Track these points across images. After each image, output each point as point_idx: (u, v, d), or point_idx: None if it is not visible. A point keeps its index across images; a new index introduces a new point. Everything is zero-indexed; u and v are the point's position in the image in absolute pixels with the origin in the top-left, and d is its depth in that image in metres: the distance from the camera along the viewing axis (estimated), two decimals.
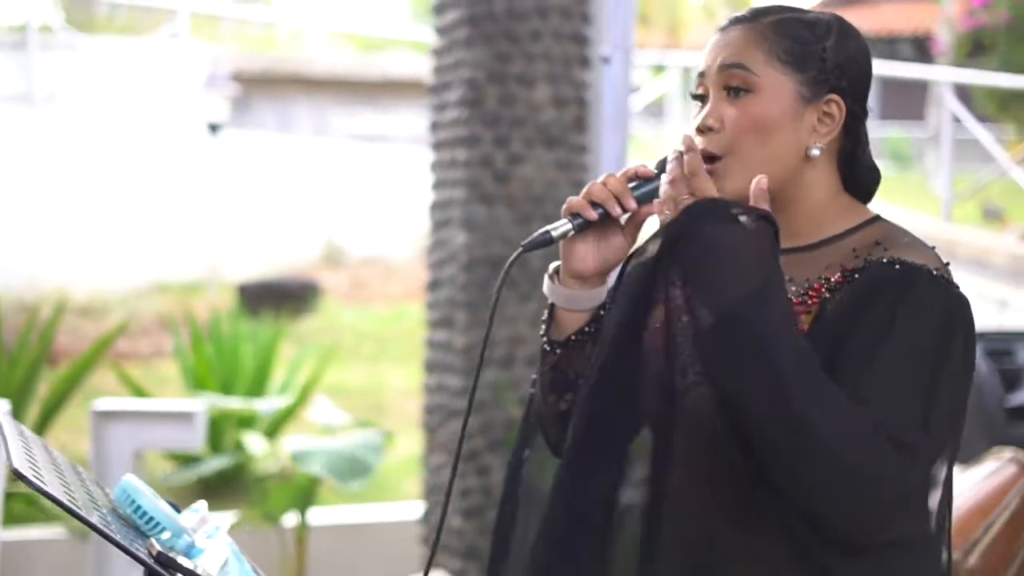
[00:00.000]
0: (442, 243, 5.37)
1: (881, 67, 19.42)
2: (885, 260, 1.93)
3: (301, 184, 13.22)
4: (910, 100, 29.93)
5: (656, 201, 2.03)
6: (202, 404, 4.56)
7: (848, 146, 2.09)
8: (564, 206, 2.04)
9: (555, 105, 5.24)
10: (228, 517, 4.93)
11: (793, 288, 2.01)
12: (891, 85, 32.28)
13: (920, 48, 29.53)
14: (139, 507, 1.79)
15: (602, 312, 2.15)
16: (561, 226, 2.02)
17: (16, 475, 1.67)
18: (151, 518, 1.77)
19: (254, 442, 6.18)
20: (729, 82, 2.04)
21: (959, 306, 1.93)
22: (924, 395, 1.86)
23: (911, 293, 1.89)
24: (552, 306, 2.15)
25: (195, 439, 4.53)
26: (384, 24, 26.84)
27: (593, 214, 2.01)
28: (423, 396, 5.53)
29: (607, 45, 4.66)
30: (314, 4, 26.56)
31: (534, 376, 2.23)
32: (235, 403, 5.99)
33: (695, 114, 2.10)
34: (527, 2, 5.15)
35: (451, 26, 5.27)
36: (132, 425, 4.55)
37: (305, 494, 5.15)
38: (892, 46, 31.11)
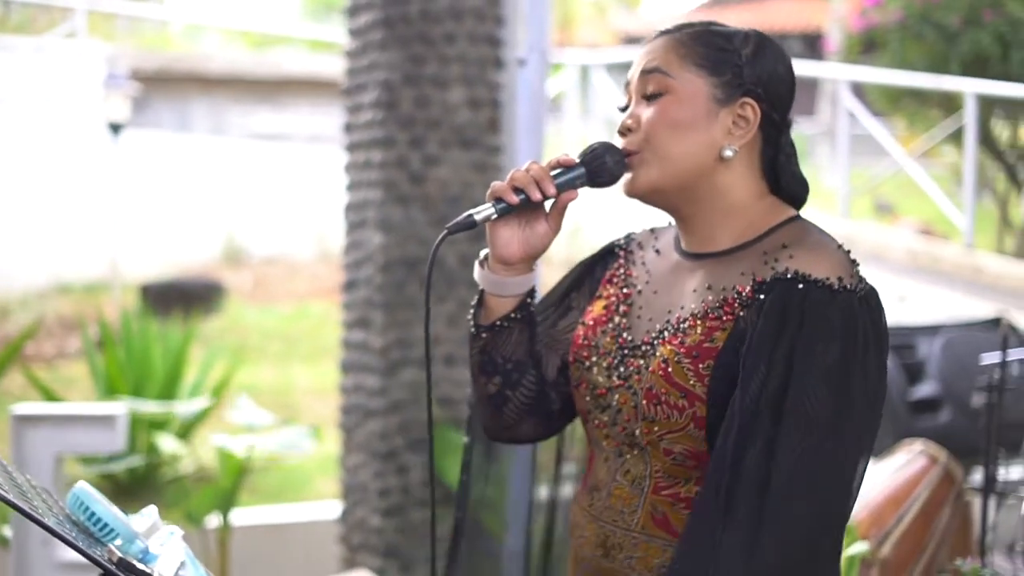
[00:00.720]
0: (358, 244, 5.40)
1: None
2: (789, 275, 2.02)
3: (200, 183, 13.15)
4: (800, 96, 30.30)
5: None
6: (122, 407, 4.55)
7: (769, 153, 2.18)
8: (488, 191, 2.13)
9: (470, 107, 5.29)
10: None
11: (711, 298, 2.10)
12: None
13: (810, 45, 29.94)
14: (93, 514, 1.82)
15: (529, 300, 2.23)
16: (484, 210, 2.11)
17: None
18: (105, 524, 1.80)
19: (168, 443, 6.17)
20: (647, 87, 2.16)
21: (863, 314, 2.02)
22: (831, 425, 1.97)
23: (813, 323, 1.98)
24: (482, 292, 2.22)
25: (116, 442, 4.52)
26: (277, 21, 26.70)
27: (514, 198, 2.11)
28: (339, 396, 5.55)
29: (523, 48, 4.73)
30: (207, 1, 26.38)
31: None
32: (153, 406, 5.97)
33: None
34: (441, 4, 5.19)
35: (365, 28, 5.30)
36: (53, 429, 4.53)
37: (228, 495, 5.16)
38: (781, 42, 31.50)
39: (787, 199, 2.21)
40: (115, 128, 10.24)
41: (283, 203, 13.18)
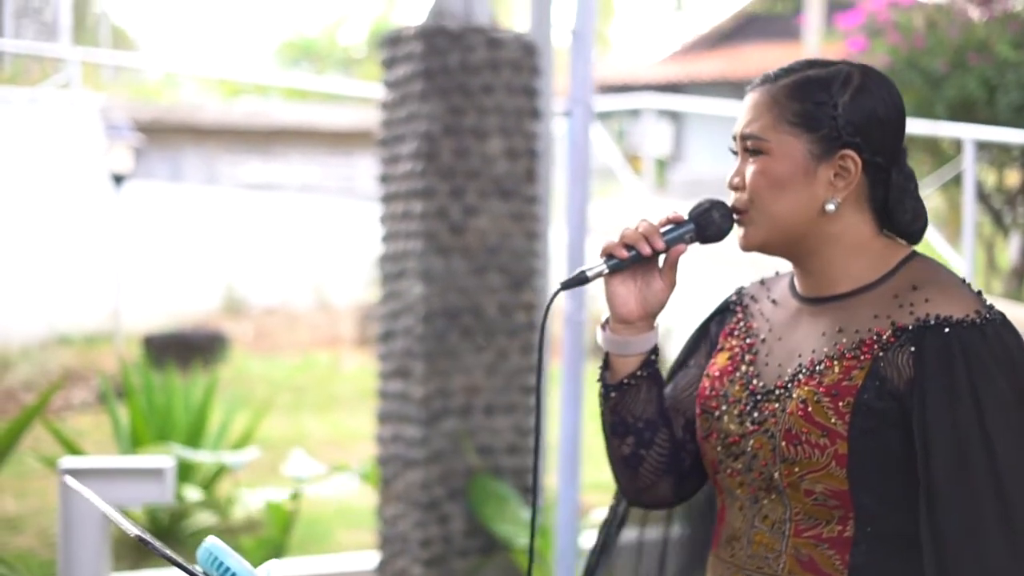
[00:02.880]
0: (396, 294, 5.41)
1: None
2: (932, 321, 2.04)
3: (195, 234, 13.13)
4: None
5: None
6: (170, 460, 4.54)
7: (879, 194, 2.20)
8: (601, 248, 2.18)
9: (508, 157, 5.32)
10: None
11: (845, 340, 2.12)
12: None
13: None
14: (227, 568, 1.82)
15: (653, 358, 2.26)
16: (596, 267, 2.16)
17: (140, 540, 1.71)
18: None
19: (192, 494, 6.15)
20: (747, 145, 2.18)
21: (1008, 339, 2.06)
22: None
23: (977, 361, 2.02)
24: (607, 354, 2.26)
25: (166, 494, 4.51)
26: (251, 70, 26.75)
27: (624, 253, 2.16)
28: (376, 447, 5.55)
29: (568, 100, 4.76)
30: (183, 51, 26.42)
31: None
32: (205, 456, 5.94)
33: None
34: (479, 56, 5.23)
35: (403, 80, 5.33)
36: (102, 483, 4.51)
37: (277, 545, 5.15)
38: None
39: (903, 235, 2.24)
40: (118, 179, 10.23)
41: (279, 253, 13.18)
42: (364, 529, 6.69)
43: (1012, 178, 14.05)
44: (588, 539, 5.94)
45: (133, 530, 1.77)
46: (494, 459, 5.33)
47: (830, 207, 2.15)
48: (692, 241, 2.20)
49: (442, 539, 5.26)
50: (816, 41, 22.93)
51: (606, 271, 2.16)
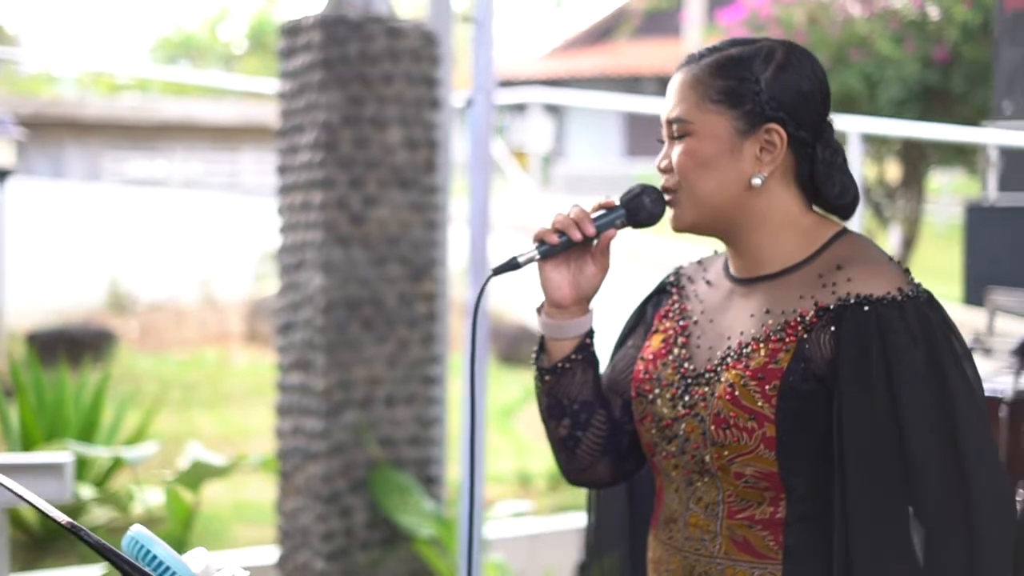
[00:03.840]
0: (295, 286, 5.36)
1: (634, 104, 19.98)
2: (853, 300, 2.07)
3: (78, 230, 12.93)
4: (656, 136, 30.78)
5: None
6: (69, 455, 4.45)
7: (805, 169, 2.22)
8: (533, 235, 2.21)
9: (407, 147, 5.30)
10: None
11: (771, 322, 2.14)
12: (637, 122, 33.23)
13: (666, 87, 30.40)
14: (155, 557, 1.79)
15: (588, 341, 2.27)
16: (527, 252, 2.19)
17: (71, 529, 1.67)
18: (167, 568, 1.78)
19: (85, 491, 6.05)
20: (672, 128, 2.20)
21: (934, 314, 2.09)
22: (947, 424, 2.03)
23: (894, 338, 2.05)
24: (542, 338, 2.28)
25: (65, 491, 4.41)
26: (133, 65, 26.43)
27: (555, 239, 2.19)
28: (276, 440, 5.50)
29: (471, 89, 4.75)
30: (62, 45, 26.02)
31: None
32: (102, 452, 5.84)
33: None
34: (379, 45, 5.21)
35: (302, 70, 5.28)
36: None
37: (178, 541, 5.07)
38: (635, 84, 31.96)
39: (832, 210, 2.26)
40: (1, 175, 10.02)
41: (164, 249, 13.02)
42: (262, 524, 6.63)
43: (892, 171, 14.28)
44: (492, 530, 5.95)
45: (63, 518, 1.73)
46: (396, 450, 5.31)
47: (756, 181, 2.17)
48: (623, 226, 2.23)
49: (344, 532, 5.23)
50: (697, 36, 23.15)
51: (537, 257, 2.19)
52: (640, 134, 33.10)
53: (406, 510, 5.18)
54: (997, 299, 6.30)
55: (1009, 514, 2.06)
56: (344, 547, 5.23)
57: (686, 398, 2.21)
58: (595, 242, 2.22)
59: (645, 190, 2.22)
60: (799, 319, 2.11)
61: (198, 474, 4.94)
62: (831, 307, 2.08)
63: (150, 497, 5.86)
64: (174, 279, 12.45)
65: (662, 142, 2.26)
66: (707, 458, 2.15)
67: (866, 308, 2.06)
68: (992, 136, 10.16)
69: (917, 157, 13.72)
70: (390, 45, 5.23)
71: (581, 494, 7.73)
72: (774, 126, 2.16)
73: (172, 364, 10.66)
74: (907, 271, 2.12)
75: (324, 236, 5.18)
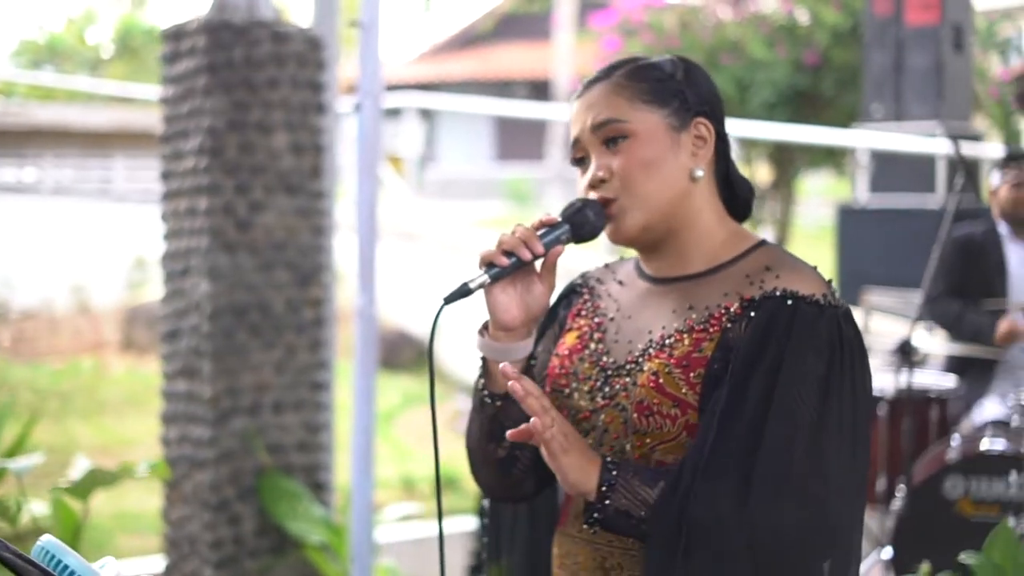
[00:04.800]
0: (180, 293, 5.31)
1: (508, 108, 20.02)
2: (778, 292, 2.11)
3: None
4: (528, 141, 30.92)
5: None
6: None
7: (722, 168, 2.28)
8: (479, 258, 2.17)
9: (294, 152, 5.28)
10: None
11: (694, 315, 2.18)
12: (508, 127, 33.32)
13: (537, 91, 30.53)
14: (66, 566, 1.78)
15: (532, 363, 2.28)
16: (477, 277, 2.14)
17: None
18: None
19: None
20: (606, 136, 2.21)
21: (847, 329, 2.14)
22: (817, 434, 2.05)
23: (802, 336, 2.07)
24: (484, 360, 2.25)
25: None
26: None
27: (504, 260, 2.15)
28: (162, 448, 5.44)
29: (358, 93, 4.75)
30: None
31: None
32: None
33: (580, 176, 2.26)
34: (264, 50, 5.18)
35: (186, 75, 5.24)
36: None
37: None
38: (506, 88, 32.05)
39: (738, 208, 2.31)
40: None
41: (35, 257, 12.82)
42: (147, 534, 6.56)
43: (762, 174, 14.48)
44: (382, 535, 5.95)
45: None
46: (285, 457, 5.29)
47: (699, 173, 2.22)
48: (568, 242, 2.22)
49: (233, 540, 5.19)
50: (569, 41, 23.28)
51: (488, 281, 2.15)
52: (511, 138, 33.21)
53: (295, 516, 5.16)
54: (872, 299, 6.43)
55: (841, 539, 2.08)
56: (233, 555, 5.19)
57: (606, 389, 2.23)
58: (539, 261, 2.21)
59: (587, 204, 2.22)
60: (724, 311, 2.15)
61: (90, 483, 4.86)
62: (756, 298, 2.13)
63: (35, 508, 5.76)
64: (47, 286, 12.26)
65: (579, 161, 2.27)
66: (628, 447, 2.18)
67: (789, 302, 2.10)
68: (864, 138, 10.36)
69: (787, 160, 13.95)
70: (275, 50, 5.20)
71: (466, 497, 7.76)
72: (702, 120, 2.23)
73: (47, 373, 10.51)
74: (829, 282, 2.17)
75: (210, 242, 5.13)
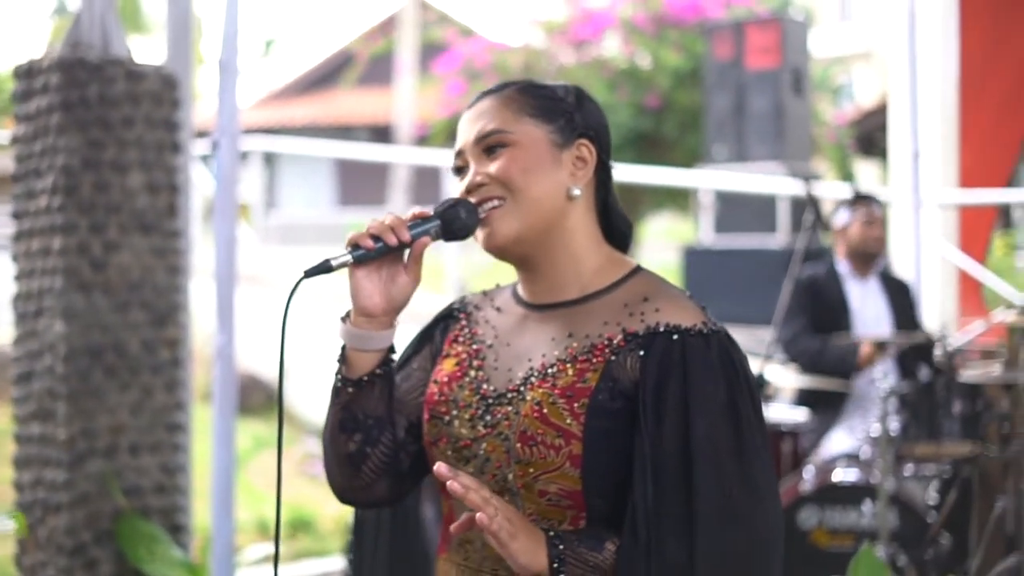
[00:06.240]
0: (33, 334, 5.22)
1: (355, 151, 20.00)
2: (662, 328, 2.16)
3: None
4: (370, 186, 30.90)
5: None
6: None
7: (601, 195, 2.33)
8: (346, 240, 2.20)
9: (149, 191, 5.23)
10: None
11: (576, 344, 2.21)
12: (349, 172, 33.28)
13: (379, 136, 30.53)
14: None
15: (392, 355, 2.30)
16: (341, 256, 2.17)
17: None
18: None
19: None
20: (488, 145, 2.26)
21: (733, 351, 2.19)
22: (739, 457, 2.11)
23: (697, 368, 2.12)
24: (343, 348, 2.27)
25: None
26: None
27: (370, 243, 2.18)
28: (15, 493, 5.33)
29: (215, 131, 4.73)
30: None
31: None
32: None
33: (459, 183, 2.29)
34: (119, 88, 5.13)
35: (39, 113, 5.16)
36: None
37: None
38: (348, 133, 32.02)
39: (615, 239, 2.35)
40: None
41: None
42: None
43: None
44: None
45: None
46: (142, 499, 5.21)
47: (576, 192, 2.25)
48: (438, 237, 2.24)
49: None
50: (411, 85, 23.34)
51: (351, 261, 2.17)
52: (352, 183, 33.18)
53: (154, 560, 5.09)
54: None
55: (779, 549, 2.15)
56: None
57: (487, 418, 2.24)
58: (408, 253, 2.23)
59: (460, 202, 2.24)
60: (606, 342, 2.18)
61: None
62: (640, 333, 2.16)
63: None
64: None
65: (459, 170, 2.31)
66: (510, 476, 2.19)
67: (675, 337, 2.14)
68: (710, 179, 10.56)
69: (631, 202, 14.11)
70: (130, 88, 5.15)
71: (323, 539, 7.70)
72: (585, 141, 2.27)
73: None
74: (704, 308, 2.22)
75: (64, 282, 5.06)
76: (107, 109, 5.11)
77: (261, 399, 11.15)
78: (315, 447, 8.98)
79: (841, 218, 6.30)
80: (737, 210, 10.49)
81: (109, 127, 5.12)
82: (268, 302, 11.74)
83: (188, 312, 5.49)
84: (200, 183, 13.68)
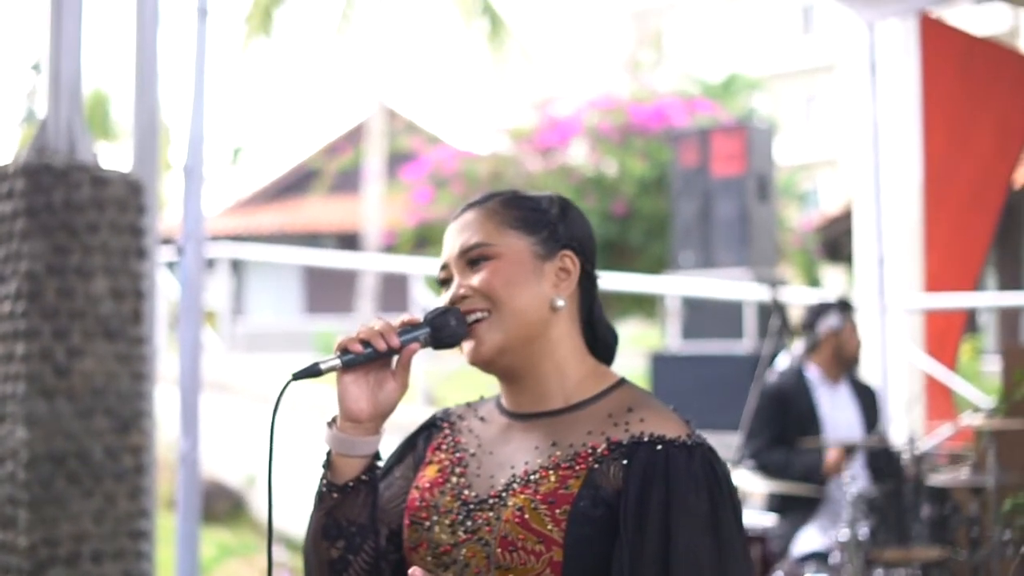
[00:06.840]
0: None
1: (323, 258, 20.04)
2: (646, 438, 2.15)
3: None
4: (337, 293, 30.95)
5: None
6: None
7: (586, 305, 2.33)
8: (336, 344, 2.20)
9: (114, 297, 5.20)
10: None
11: (559, 453, 2.20)
12: (317, 280, 33.32)
13: (346, 243, 30.62)
14: None
15: (377, 462, 2.28)
16: (330, 360, 2.17)
17: None
18: None
19: None
20: (471, 258, 2.26)
21: (716, 463, 2.19)
22: (720, 570, 2.09)
23: (680, 479, 2.11)
24: (329, 453, 2.26)
25: None
26: None
27: (359, 347, 2.18)
28: None
29: (181, 236, 4.73)
30: None
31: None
32: None
33: (444, 295, 2.29)
34: (84, 194, 5.12)
35: (3, 218, 5.15)
36: None
37: None
38: (315, 240, 32.09)
39: (599, 350, 2.35)
40: None
41: None
42: None
43: None
44: None
45: None
46: None
47: (560, 303, 2.25)
48: (426, 344, 2.24)
49: None
50: (378, 192, 23.44)
51: (340, 365, 2.17)
52: (320, 290, 33.22)
53: None
54: None
55: None
56: None
57: (468, 523, 2.23)
58: (396, 360, 2.23)
59: (450, 310, 2.25)
60: (590, 451, 2.17)
61: None
62: (624, 442, 2.15)
63: None
64: None
65: (444, 283, 2.31)
66: None
67: (659, 447, 2.13)
68: (675, 285, 10.59)
69: None
70: (95, 193, 5.14)
71: None
72: (568, 252, 2.27)
73: None
74: (688, 421, 2.22)
75: (27, 388, 5.02)
76: (72, 214, 5.10)
77: (226, 506, 11.06)
78: (284, 556, 8.89)
79: (832, 323, 6.31)
80: (704, 316, 10.52)
81: (74, 233, 5.10)
82: (234, 409, 11.68)
83: (152, 419, 5.44)
84: (166, 289, 13.66)
